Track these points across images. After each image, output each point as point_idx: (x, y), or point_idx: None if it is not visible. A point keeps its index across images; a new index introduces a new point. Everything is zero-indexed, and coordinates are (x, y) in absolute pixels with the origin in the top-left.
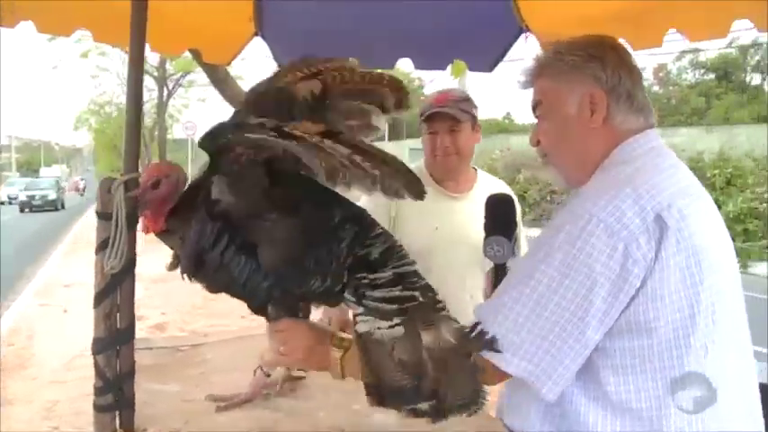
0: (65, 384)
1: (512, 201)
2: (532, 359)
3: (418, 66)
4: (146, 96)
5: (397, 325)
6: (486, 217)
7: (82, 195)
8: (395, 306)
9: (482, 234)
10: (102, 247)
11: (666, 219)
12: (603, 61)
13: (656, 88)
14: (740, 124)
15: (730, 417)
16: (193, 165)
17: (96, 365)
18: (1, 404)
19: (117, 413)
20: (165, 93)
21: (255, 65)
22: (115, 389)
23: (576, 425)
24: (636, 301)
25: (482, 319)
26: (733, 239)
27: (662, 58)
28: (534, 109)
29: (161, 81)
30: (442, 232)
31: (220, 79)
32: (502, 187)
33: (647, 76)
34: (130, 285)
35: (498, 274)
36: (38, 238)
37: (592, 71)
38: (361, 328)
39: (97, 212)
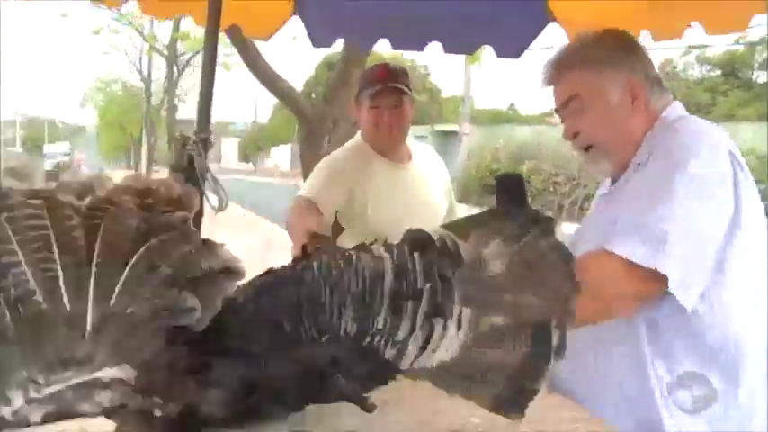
0: None
1: (521, 179)
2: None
3: (447, 50)
4: (154, 75)
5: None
6: (499, 194)
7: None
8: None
9: (436, 194)
10: None
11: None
12: (636, 53)
13: None
14: (745, 122)
15: None
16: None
17: None
18: None
19: None
20: (176, 72)
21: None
22: None
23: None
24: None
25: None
26: None
27: (669, 53)
28: (566, 104)
29: (171, 60)
30: (404, 210)
31: (251, 57)
32: (429, 151)
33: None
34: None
35: None
36: None
37: (628, 63)
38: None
39: (171, 165)
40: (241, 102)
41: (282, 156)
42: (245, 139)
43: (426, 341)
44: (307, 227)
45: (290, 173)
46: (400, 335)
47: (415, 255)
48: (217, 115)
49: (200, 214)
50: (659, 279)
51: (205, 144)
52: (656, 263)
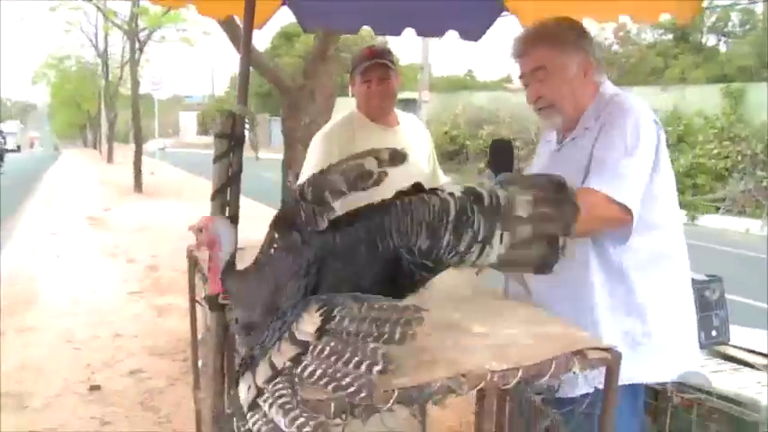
0: (76, 315)
1: (511, 145)
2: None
3: (420, 33)
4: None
5: (501, 238)
6: (494, 158)
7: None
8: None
9: (419, 155)
10: (218, 158)
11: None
12: (587, 37)
13: (616, 47)
14: (694, 85)
15: None
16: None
17: None
18: (21, 332)
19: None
20: (137, 47)
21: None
22: None
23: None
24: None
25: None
26: (682, 193)
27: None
28: (533, 72)
29: (132, 35)
30: None
31: (238, 38)
32: (415, 120)
33: (608, 36)
34: (237, 187)
35: None
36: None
37: (582, 44)
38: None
39: (216, 134)
40: (198, 75)
41: None
42: (204, 112)
43: (480, 253)
44: None
45: (247, 145)
46: (461, 249)
47: (470, 198)
48: (173, 89)
49: (239, 170)
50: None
51: (245, 115)
52: (623, 198)
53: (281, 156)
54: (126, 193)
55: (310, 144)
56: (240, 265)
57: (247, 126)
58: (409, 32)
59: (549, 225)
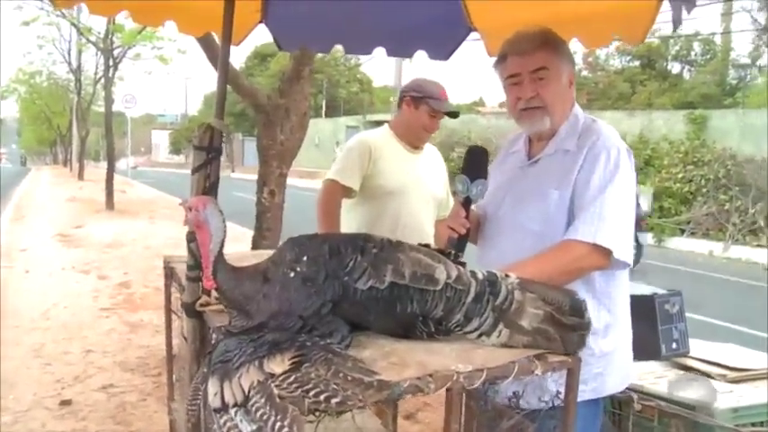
0: (47, 330)
1: (487, 152)
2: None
3: (390, 53)
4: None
5: (500, 333)
6: (470, 164)
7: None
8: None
9: (437, 181)
10: (196, 169)
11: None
12: (572, 55)
13: (585, 72)
14: (661, 110)
15: None
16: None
17: (189, 249)
18: None
19: (200, 283)
20: (111, 64)
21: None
22: (201, 266)
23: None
24: None
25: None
26: (650, 216)
27: None
28: (535, 71)
29: (107, 53)
30: (411, 178)
31: (216, 57)
32: (434, 150)
33: (578, 61)
34: (215, 197)
35: (468, 205)
36: None
37: (571, 58)
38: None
39: (194, 145)
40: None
41: None
42: (176, 131)
43: (479, 337)
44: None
45: (223, 164)
46: (467, 329)
47: (487, 289)
48: (146, 107)
49: (217, 181)
50: (607, 251)
51: (222, 130)
52: (608, 243)
53: (253, 176)
54: (98, 211)
55: (347, 144)
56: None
57: (224, 139)
58: (380, 52)
59: (549, 344)
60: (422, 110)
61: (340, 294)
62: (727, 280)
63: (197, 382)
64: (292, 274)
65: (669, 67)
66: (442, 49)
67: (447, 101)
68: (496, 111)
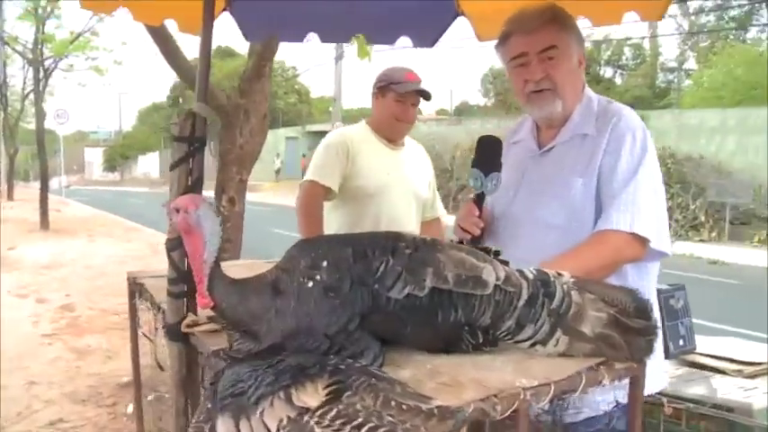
0: None
1: (500, 141)
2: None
3: (370, 41)
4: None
5: (557, 342)
6: (482, 155)
7: None
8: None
9: (420, 179)
10: (177, 164)
11: None
12: (581, 32)
13: None
14: None
15: None
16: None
17: (171, 261)
18: None
19: (186, 300)
20: (42, 76)
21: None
22: (185, 280)
23: None
24: None
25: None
26: None
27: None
28: (545, 50)
29: (36, 64)
30: (392, 176)
31: (171, 54)
32: (420, 148)
33: None
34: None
35: (481, 202)
36: None
37: (581, 36)
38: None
39: (174, 136)
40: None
41: (151, 164)
42: (111, 148)
43: (532, 346)
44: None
45: (159, 181)
46: (519, 338)
47: (541, 290)
48: (78, 124)
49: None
50: (644, 240)
51: (206, 116)
52: (645, 232)
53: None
54: (31, 231)
55: (323, 142)
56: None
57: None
58: (359, 39)
59: (613, 352)
60: (389, 98)
61: (369, 305)
62: (678, 275)
63: (199, 420)
64: (311, 284)
65: (602, 72)
66: (428, 36)
67: (414, 82)
68: (434, 117)
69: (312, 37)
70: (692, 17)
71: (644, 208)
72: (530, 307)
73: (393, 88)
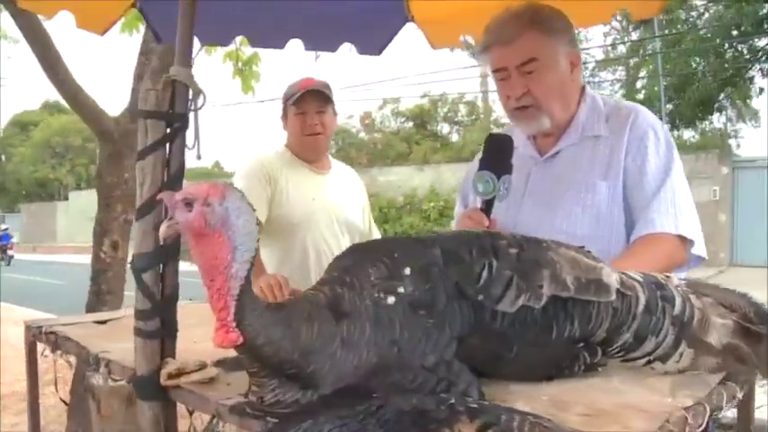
0: None
1: (512, 140)
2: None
3: (309, 47)
4: None
5: (681, 357)
6: (492, 156)
7: None
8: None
9: (352, 208)
10: (149, 150)
11: None
12: (572, 28)
13: (362, 134)
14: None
15: None
16: None
17: (143, 285)
18: None
19: (161, 340)
20: None
21: None
22: (162, 312)
23: None
24: None
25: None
26: None
27: (367, 104)
28: (524, 64)
29: None
30: (317, 203)
31: (51, 62)
32: (350, 171)
33: (355, 124)
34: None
35: (489, 208)
36: None
37: (569, 34)
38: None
39: (146, 111)
40: None
41: None
42: None
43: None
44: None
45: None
46: (634, 354)
47: (657, 293)
48: None
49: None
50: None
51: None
52: (690, 234)
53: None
54: None
55: (241, 171)
56: None
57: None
58: (295, 45)
59: (740, 366)
60: (290, 114)
61: (471, 324)
62: None
63: None
64: (392, 300)
65: (439, 128)
66: (374, 42)
67: (307, 87)
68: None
69: (240, 41)
70: None
71: (684, 208)
72: (649, 314)
73: (290, 104)
